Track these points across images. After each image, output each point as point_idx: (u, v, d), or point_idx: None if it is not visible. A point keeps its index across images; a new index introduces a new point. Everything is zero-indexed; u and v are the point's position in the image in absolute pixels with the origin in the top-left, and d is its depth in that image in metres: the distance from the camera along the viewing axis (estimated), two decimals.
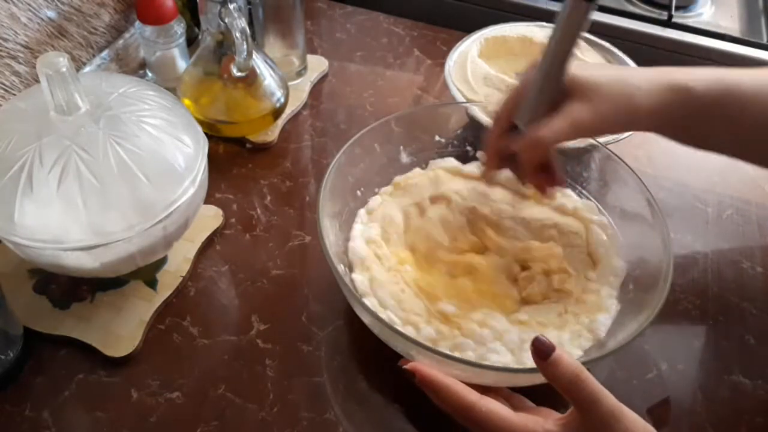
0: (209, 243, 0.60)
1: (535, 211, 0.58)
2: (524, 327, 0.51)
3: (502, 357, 0.48)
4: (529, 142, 0.48)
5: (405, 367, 0.44)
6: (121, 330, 0.52)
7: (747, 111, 0.48)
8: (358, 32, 0.86)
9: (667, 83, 0.47)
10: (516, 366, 0.48)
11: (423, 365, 0.43)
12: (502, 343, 0.49)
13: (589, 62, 0.67)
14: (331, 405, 0.50)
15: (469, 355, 0.48)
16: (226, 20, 0.60)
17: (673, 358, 0.54)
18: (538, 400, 0.45)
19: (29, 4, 0.62)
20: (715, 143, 0.51)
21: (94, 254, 0.47)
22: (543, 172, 0.52)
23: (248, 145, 0.70)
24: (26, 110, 0.48)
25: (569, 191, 0.59)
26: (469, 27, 0.76)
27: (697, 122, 0.48)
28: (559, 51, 0.46)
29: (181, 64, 0.72)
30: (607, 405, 0.38)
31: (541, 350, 0.39)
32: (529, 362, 0.40)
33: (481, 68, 0.70)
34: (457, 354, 0.48)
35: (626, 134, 0.63)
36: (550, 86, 0.47)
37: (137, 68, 0.74)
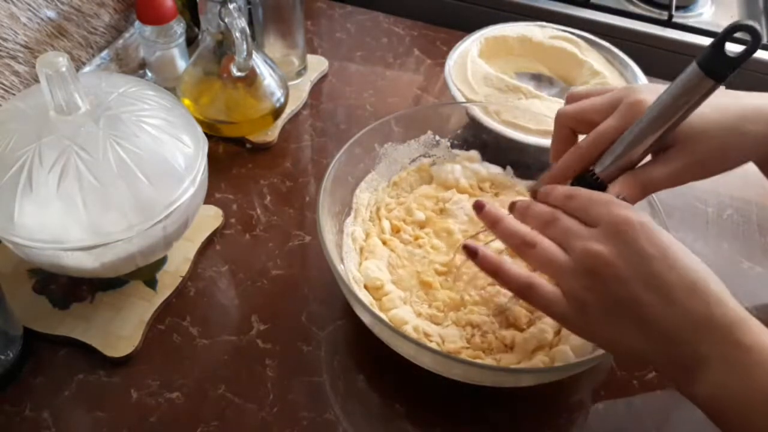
0: (209, 243, 0.60)
1: None
2: None
3: None
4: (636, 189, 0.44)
5: (467, 244, 0.44)
6: (121, 330, 0.52)
7: None
8: (358, 32, 0.86)
9: None
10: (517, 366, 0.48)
11: (484, 248, 0.44)
12: None
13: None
14: (331, 405, 0.50)
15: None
16: (226, 20, 0.60)
17: None
18: (537, 402, 0.45)
19: (29, 4, 0.61)
20: None
21: (94, 254, 0.47)
22: None
23: (248, 145, 0.70)
24: (26, 110, 0.48)
25: None
26: (469, 27, 0.76)
27: None
28: (669, 122, 0.42)
29: (181, 64, 0.72)
30: None
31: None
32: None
33: (481, 68, 0.70)
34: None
35: None
36: (648, 148, 0.43)
37: (137, 68, 0.74)
